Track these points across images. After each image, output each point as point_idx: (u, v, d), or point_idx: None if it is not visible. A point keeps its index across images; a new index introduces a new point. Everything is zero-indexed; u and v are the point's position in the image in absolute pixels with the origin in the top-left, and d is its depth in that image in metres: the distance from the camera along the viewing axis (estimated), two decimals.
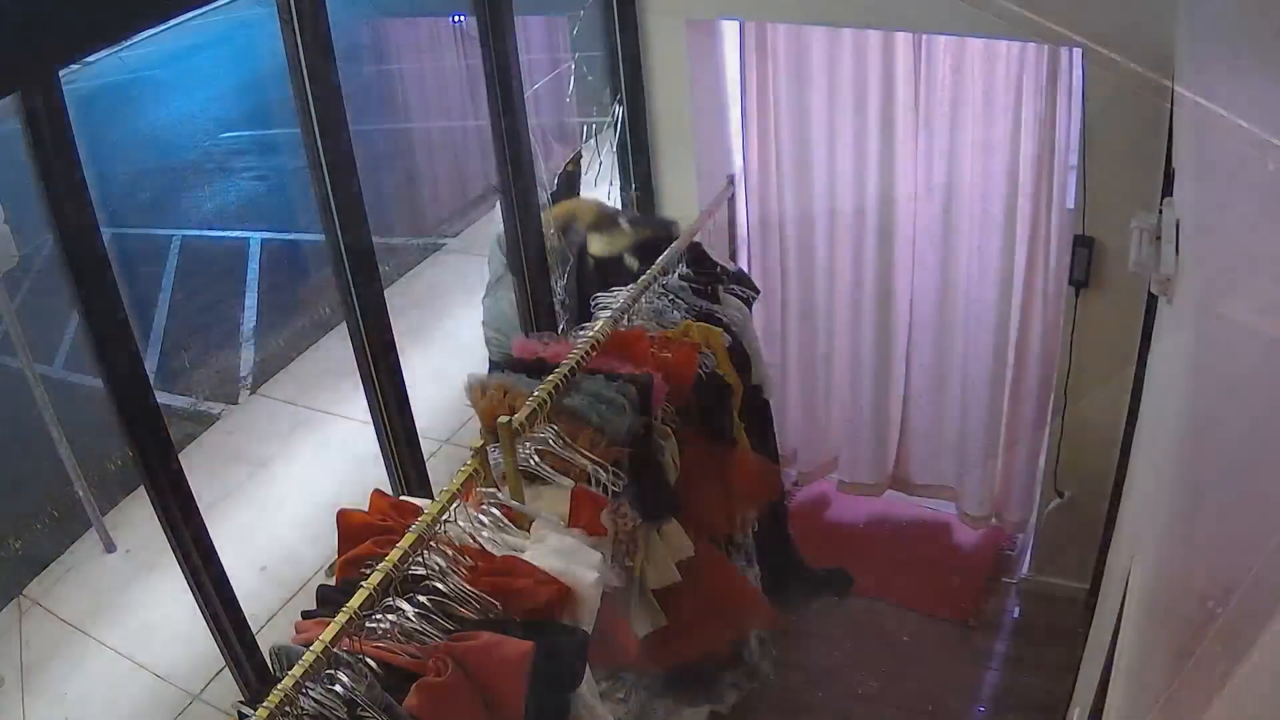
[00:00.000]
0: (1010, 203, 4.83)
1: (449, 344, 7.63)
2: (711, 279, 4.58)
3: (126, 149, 11.71)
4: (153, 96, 13.33)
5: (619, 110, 5.04)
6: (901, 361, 5.55)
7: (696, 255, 4.73)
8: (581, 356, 3.69)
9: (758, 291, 4.92)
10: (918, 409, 5.65)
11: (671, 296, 4.42)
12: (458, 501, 3.12)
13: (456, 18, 8.74)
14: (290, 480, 6.79)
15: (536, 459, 3.37)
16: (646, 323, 4.27)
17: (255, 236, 10.28)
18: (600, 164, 5.15)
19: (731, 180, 5.41)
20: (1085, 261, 4.48)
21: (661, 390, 3.77)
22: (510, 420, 3.26)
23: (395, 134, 10.52)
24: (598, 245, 4.87)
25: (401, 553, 2.85)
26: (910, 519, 5.99)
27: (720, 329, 4.30)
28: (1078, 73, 4.33)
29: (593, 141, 5.22)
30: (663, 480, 3.80)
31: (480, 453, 3.27)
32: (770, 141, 5.27)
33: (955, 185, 4.96)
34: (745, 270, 5.13)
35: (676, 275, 4.54)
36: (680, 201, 5.21)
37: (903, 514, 6.01)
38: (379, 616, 2.76)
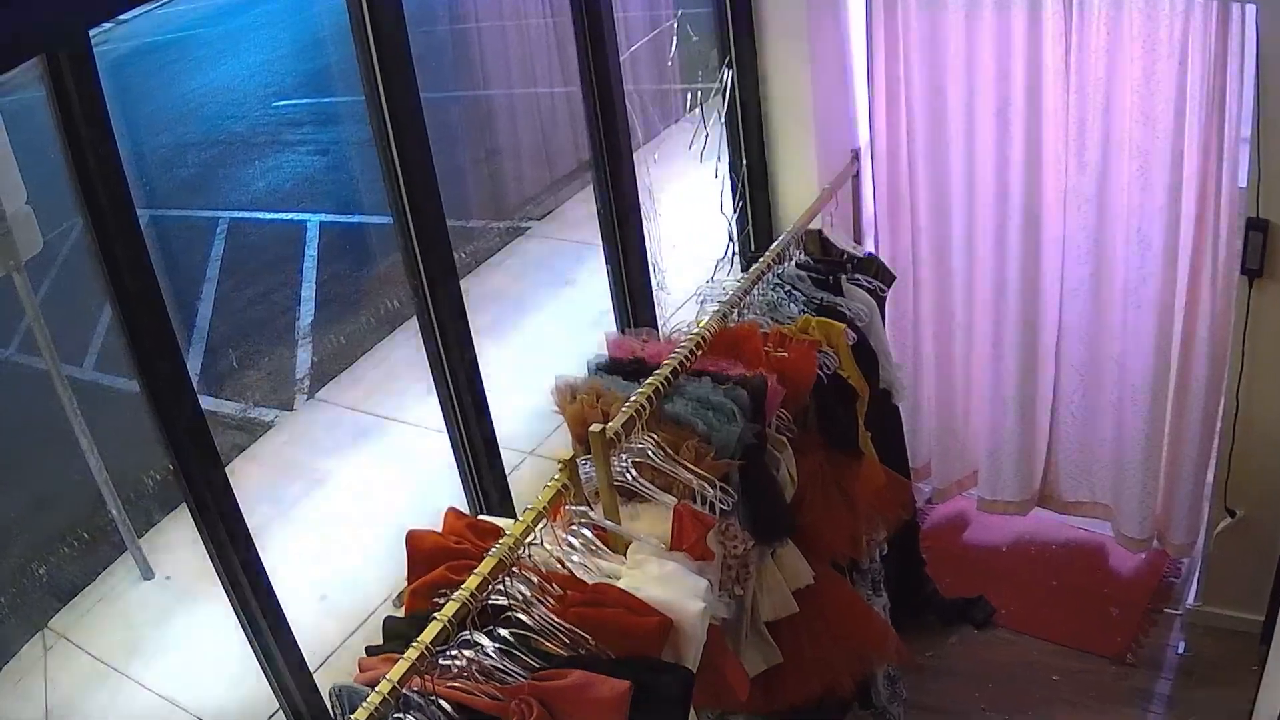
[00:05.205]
0: (1174, 181, 4.74)
1: (533, 342, 7.66)
2: (834, 267, 4.56)
3: (166, 120, 11.81)
4: (196, 60, 13.46)
5: (728, 75, 5.03)
6: (1050, 361, 5.48)
7: (817, 240, 4.72)
8: (685, 356, 3.69)
9: (890, 280, 4.89)
10: (1069, 416, 5.58)
11: (788, 287, 4.41)
12: (544, 521, 3.12)
13: None
14: (353, 497, 6.84)
15: (634, 473, 3.36)
16: (759, 317, 4.26)
17: (313, 219, 10.36)
18: (706, 136, 5.14)
19: (856, 155, 5.38)
20: (1259, 248, 4.42)
21: (777, 394, 3.75)
22: (604, 429, 3.25)
23: (472, 102, 10.49)
24: None
25: (480, 580, 2.85)
26: (1060, 541, 5.93)
27: (844, 324, 4.28)
28: (1251, 33, 4.26)
29: (698, 111, 5.20)
30: (778, 497, 3.78)
31: (569, 465, 3.26)
32: (900, 111, 5.22)
33: (1110, 162, 4.88)
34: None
35: (794, 263, 4.53)
36: (798, 179, 5.20)
37: (1051, 536, 5.95)
38: (454, 652, 2.76)
